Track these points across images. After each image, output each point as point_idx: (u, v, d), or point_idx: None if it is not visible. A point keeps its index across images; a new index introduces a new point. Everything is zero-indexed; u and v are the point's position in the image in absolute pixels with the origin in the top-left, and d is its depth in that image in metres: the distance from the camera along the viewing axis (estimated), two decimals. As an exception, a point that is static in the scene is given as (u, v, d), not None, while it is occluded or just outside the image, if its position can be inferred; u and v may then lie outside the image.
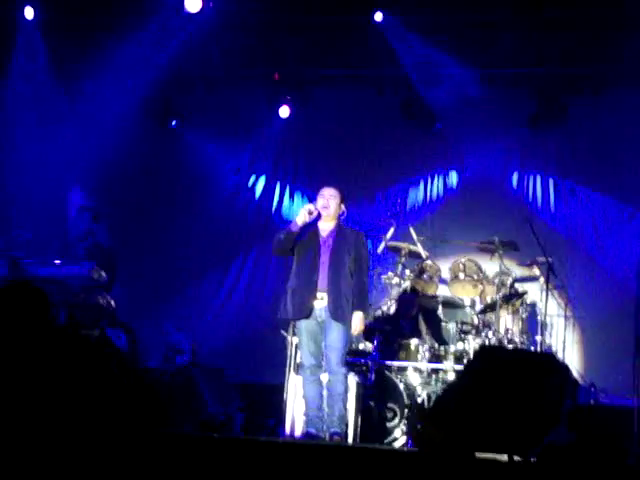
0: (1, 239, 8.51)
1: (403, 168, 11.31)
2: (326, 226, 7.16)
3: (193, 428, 7.99)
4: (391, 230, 9.16)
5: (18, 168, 10.86)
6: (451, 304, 9.17)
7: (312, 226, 7.15)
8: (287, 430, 7.55)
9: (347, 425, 7.15)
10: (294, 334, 7.52)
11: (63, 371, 3.47)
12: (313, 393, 7.01)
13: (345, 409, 7.00)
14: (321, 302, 6.97)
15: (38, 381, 3.43)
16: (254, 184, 11.89)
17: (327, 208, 7.11)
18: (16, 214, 10.27)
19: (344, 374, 6.96)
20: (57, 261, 7.61)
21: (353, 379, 7.59)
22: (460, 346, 8.38)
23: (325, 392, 7.00)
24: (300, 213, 7.04)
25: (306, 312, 6.99)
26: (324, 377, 7.02)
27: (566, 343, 9.45)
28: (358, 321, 6.99)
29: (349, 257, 7.04)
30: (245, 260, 11.76)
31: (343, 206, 7.19)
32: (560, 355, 9.16)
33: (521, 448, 4.94)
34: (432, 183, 11.37)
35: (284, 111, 11.32)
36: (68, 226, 8.39)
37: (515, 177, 11.15)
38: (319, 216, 7.11)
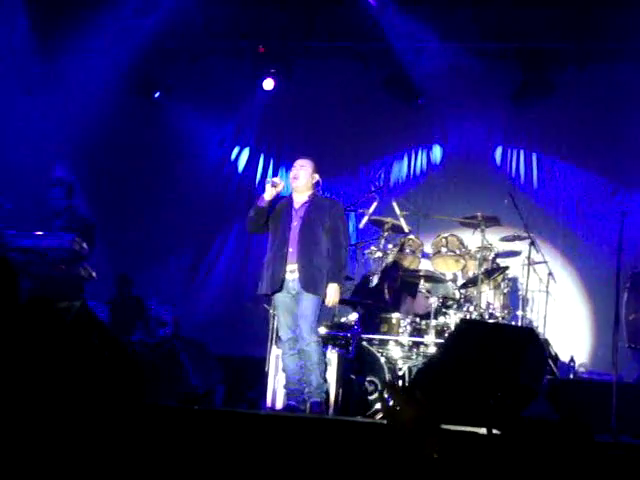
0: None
1: (387, 142, 11.30)
2: (300, 198, 7.08)
3: (174, 400, 7.99)
4: (374, 204, 9.14)
5: (-1, 137, 10.78)
6: (433, 278, 9.19)
7: (285, 199, 7.11)
8: (268, 403, 7.55)
9: (327, 394, 7.10)
10: (275, 308, 7.50)
11: (32, 347, 3.41)
12: (292, 366, 6.99)
13: (323, 378, 6.94)
14: (293, 274, 6.91)
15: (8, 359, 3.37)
16: (237, 157, 11.85)
17: (297, 179, 7.04)
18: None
19: (316, 342, 6.88)
20: (39, 232, 7.55)
21: (334, 352, 7.60)
22: (441, 320, 8.40)
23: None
24: (266, 187, 7.00)
25: (278, 285, 6.92)
26: None
27: (547, 318, 9.50)
28: (332, 293, 6.90)
29: (322, 227, 6.93)
30: (227, 233, 11.74)
31: (317, 176, 7.09)
32: (541, 330, 9.21)
33: (500, 421, 4.98)
34: (416, 157, 11.36)
35: (268, 84, 11.27)
36: (47, 200, 8.32)
37: (498, 152, 11.15)
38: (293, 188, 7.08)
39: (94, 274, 7.72)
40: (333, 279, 6.91)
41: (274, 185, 6.94)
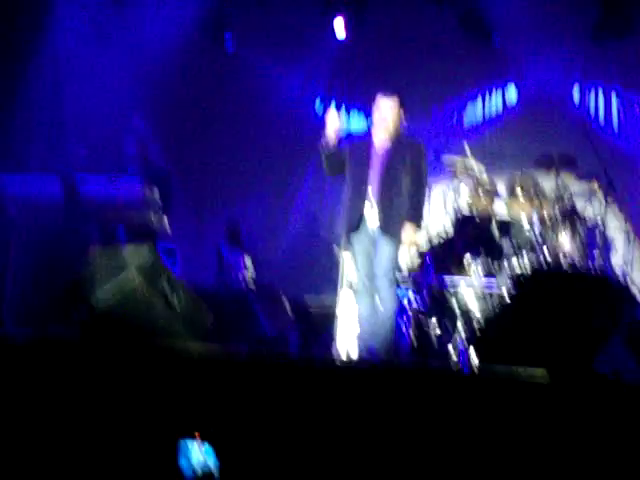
0: (56, 154, 8.57)
1: (460, 82, 11.08)
2: (382, 138, 6.85)
3: (248, 345, 8.06)
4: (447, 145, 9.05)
5: (74, 85, 10.90)
6: (506, 219, 9.04)
7: (364, 138, 6.92)
8: (339, 347, 7.53)
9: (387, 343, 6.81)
10: (346, 249, 7.44)
11: None
12: (365, 313, 6.84)
13: (392, 328, 6.76)
14: (372, 215, 6.75)
15: None
16: (310, 102, 11.77)
17: (385, 120, 6.82)
18: (72, 130, 10.34)
19: (390, 291, 6.73)
20: (111, 178, 7.61)
21: (407, 294, 7.54)
22: (514, 261, 8.26)
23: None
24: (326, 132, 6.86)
25: (355, 225, 6.77)
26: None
27: (626, 259, 9.31)
28: (410, 232, 6.73)
29: (404, 169, 6.74)
30: (302, 177, 11.71)
31: (402, 114, 6.85)
32: (619, 272, 9.01)
33: (569, 366, 4.91)
34: (490, 97, 11.13)
35: (340, 26, 11.14)
36: (123, 151, 8.41)
37: (576, 90, 10.86)
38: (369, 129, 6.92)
39: (166, 223, 7.74)
40: (411, 218, 6.73)
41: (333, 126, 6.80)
